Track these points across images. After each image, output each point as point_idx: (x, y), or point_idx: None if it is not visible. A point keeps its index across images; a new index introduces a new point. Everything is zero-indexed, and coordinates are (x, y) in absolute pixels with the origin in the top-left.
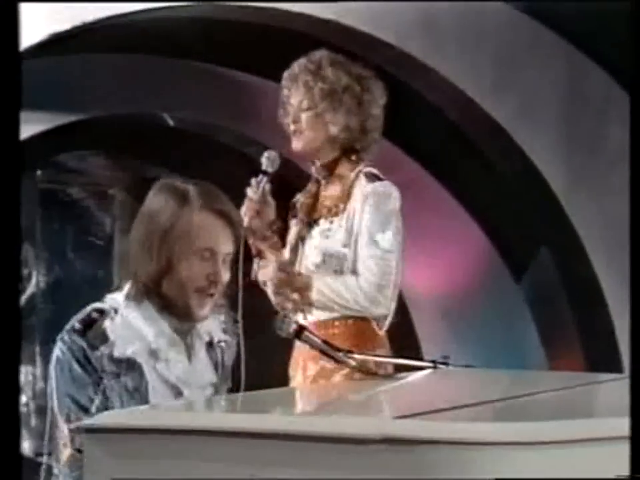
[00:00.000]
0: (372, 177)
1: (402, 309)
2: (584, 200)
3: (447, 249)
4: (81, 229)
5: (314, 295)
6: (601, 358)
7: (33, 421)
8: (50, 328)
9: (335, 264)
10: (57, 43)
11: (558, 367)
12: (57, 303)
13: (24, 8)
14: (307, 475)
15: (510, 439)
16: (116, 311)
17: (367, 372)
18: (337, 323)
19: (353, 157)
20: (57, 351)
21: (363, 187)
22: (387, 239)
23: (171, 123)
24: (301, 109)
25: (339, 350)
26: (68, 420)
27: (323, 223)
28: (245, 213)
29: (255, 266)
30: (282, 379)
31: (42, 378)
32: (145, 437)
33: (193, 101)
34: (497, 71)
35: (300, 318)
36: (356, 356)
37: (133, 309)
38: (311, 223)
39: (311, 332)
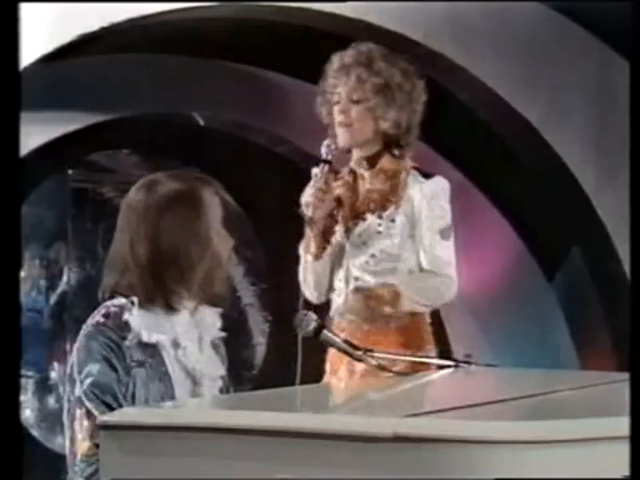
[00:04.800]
0: (425, 173)
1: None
2: (615, 198)
3: (478, 247)
4: (112, 228)
5: (404, 303)
6: None
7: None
8: (81, 326)
9: (387, 260)
10: (87, 44)
11: (589, 366)
12: (88, 301)
13: (42, 11)
14: (319, 473)
15: (518, 437)
16: (133, 304)
17: (388, 370)
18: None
19: (396, 152)
20: (84, 343)
21: (421, 184)
22: (451, 233)
23: (202, 122)
24: (351, 101)
25: (358, 349)
26: (88, 413)
27: (371, 218)
28: (311, 204)
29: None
30: (313, 377)
31: None
32: (159, 434)
33: (224, 101)
34: (528, 68)
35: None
36: (376, 354)
37: (148, 308)
38: (357, 216)
39: (330, 330)
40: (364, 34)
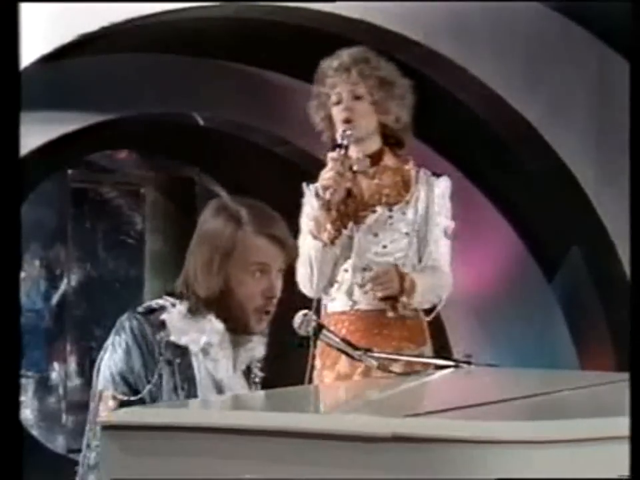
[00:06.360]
0: (433, 172)
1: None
2: (614, 198)
3: (478, 248)
4: (112, 228)
5: (417, 296)
6: None
7: (65, 419)
8: (81, 326)
9: (397, 251)
10: (87, 43)
11: (589, 366)
12: (88, 302)
13: (44, 10)
14: (318, 473)
15: (517, 437)
16: (174, 307)
17: (387, 370)
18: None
19: (397, 150)
20: (120, 326)
21: (431, 182)
22: (451, 232)
23: (201, 122)
24: (354, 98)
25: (358, 349)
26: (114, 395)
27: (381, 210)
28: (331, 187)
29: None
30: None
31: (74, 376)
32: (160, 434)
33: (223, 101)
34: (528, 68)
35: (339, 305)
36: (375, 355)
37: (191, 314)
38: (365, 208)
39: (329, 330)
40: (364, 34)
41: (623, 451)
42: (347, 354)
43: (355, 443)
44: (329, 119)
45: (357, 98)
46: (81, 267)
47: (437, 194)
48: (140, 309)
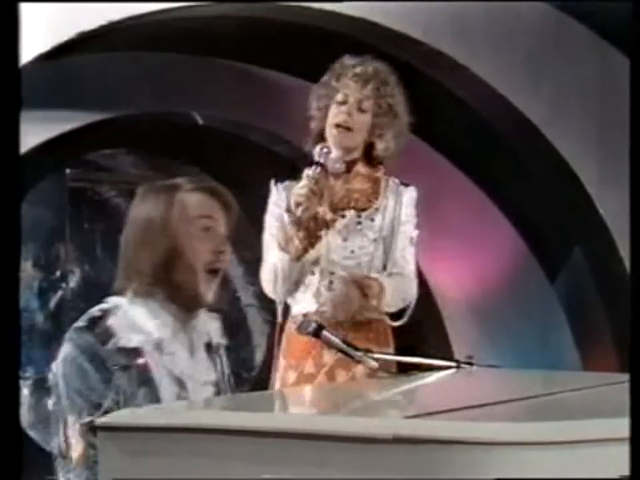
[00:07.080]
0: (402, 182)
1: (433, 309)
2: (617, 198)
3: (480, 248)
4: (110, 228)
5: (386, 299)
6: None
7: None
8: None
9: (363, 257)
10: (86, 42)
11: (592, 367)
12: (86, 302)
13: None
14: (319, 474)
15: (518, 439)
16: (118, 308)
17: (386, 371)
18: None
19: (373, 163)
20: (66, 349)
21: (400, 191)
22: (415, 241)
23: (201, 121)
24: (359, 109)
25: (358, 349)
26: (80, 417)
27: (350, 215)
28: (300, 203)
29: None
30: None
31: None
32: (158, 435)
33: (223, 99)
34: (529, 67)
35: (305, 307)
36: (376, 355)
37: (137, 306)
38: (334, 212)
39: (330, 331)
40: (365, 32)
41: (622, 453)
42: (348, 355)
43: (355, 444)
44: (325, 110)
45: (361, 110)
46: (79, 266)
47: (404, 203)
48: (81, 324)
